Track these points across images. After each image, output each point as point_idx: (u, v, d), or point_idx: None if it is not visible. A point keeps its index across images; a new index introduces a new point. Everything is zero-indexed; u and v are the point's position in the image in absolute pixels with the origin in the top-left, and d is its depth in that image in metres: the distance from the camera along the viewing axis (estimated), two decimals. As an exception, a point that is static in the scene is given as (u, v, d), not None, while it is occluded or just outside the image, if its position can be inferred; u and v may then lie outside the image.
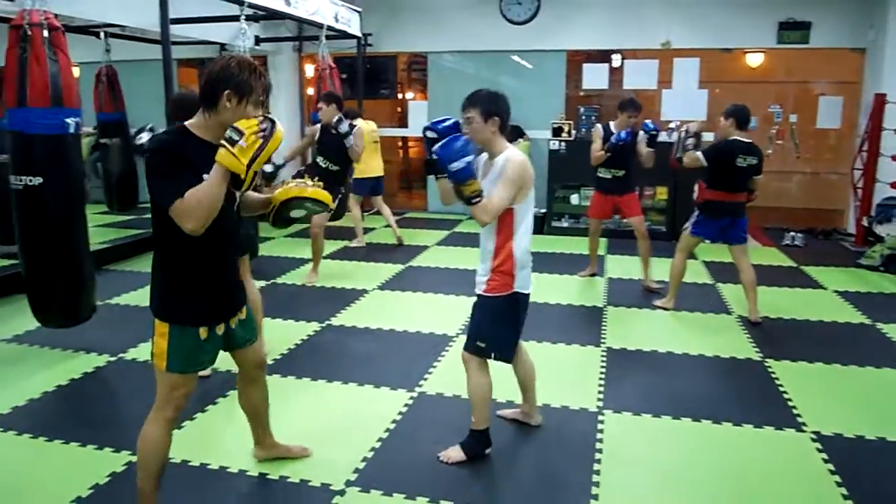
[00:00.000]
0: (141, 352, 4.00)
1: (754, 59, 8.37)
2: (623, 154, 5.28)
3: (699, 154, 4.59)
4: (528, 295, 2.78)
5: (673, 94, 8.05)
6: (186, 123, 2.13)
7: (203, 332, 2.22)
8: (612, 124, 5.35)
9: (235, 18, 5.62)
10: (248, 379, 2.57)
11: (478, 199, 2.53)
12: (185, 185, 1.98)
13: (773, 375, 3.76)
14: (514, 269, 2.69)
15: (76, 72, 8.79)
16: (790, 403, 3.40)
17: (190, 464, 2.75)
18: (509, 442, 3.02)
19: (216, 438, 3.01)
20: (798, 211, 8.55)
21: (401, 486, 2.61)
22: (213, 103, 2.06)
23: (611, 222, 7.61)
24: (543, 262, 6.42)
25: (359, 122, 6.80)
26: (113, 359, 3.91)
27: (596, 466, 2.78)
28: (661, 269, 5.37)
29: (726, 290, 5.44)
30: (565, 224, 7.88)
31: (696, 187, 4.83)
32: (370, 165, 6.95)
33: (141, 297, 5.15)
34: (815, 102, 8.15)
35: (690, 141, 4.74)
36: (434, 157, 2.52)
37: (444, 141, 2.50)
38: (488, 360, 2.77)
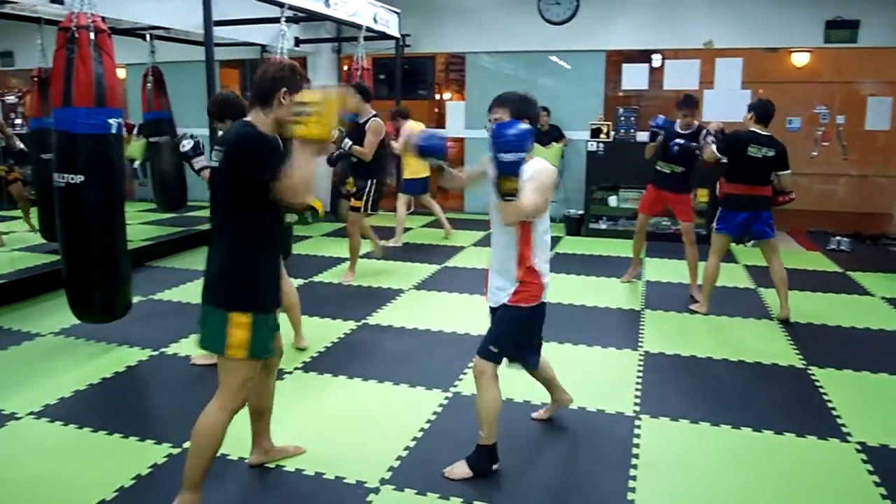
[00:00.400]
0: (182, 347, 4.09)
1: (800, 59, 8.18)
2: (682, 150, 5.10)
3: (713, 148, 4.59)
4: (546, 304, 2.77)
5: (715, 95, 7.90)
6: (247, 120, 2.31)
7: (274, 318, 2.40)
8: (677, 123, 5.16)
9: (276, 20, 5.71)
10: (268, 369, 2.62)
11: (512, 199, 2.40)
12: (283, 163, 2.14)
13: (817, 383, 3.67)
14: (542, 279, 2.67)
15: (122, 73, 9.05)
16: (834, 412, 3.31)
17: (228, 457, 2.79)
18: (545, 445, 3.00)
19: (254, 434, 3.06)
20: (845, 214, 8.32)
21: (435, 486, 2.61)
22: (269, 101, 2.28)
23: (649, 225, 7.53)
24: (580, 265, 6.37)
25: (409, 123, 6.94)
26: (155, 353, 4.00)
27: (632, 472, 2.75)
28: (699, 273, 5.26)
29: (768, 295, 5.32)
30: (603, 226, 7.80)
31: (717, 185, 4.81)
32: (422, 165, 7.03)
33: (182, 293, 5.27)
34: (863, 103, 7.92)
35: (710, 139, 4.68)
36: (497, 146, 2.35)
37: (506, 122, 2.38)
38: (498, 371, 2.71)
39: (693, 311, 4.89)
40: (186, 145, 3.51)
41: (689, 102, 5.16)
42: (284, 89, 2.27)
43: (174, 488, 2.37)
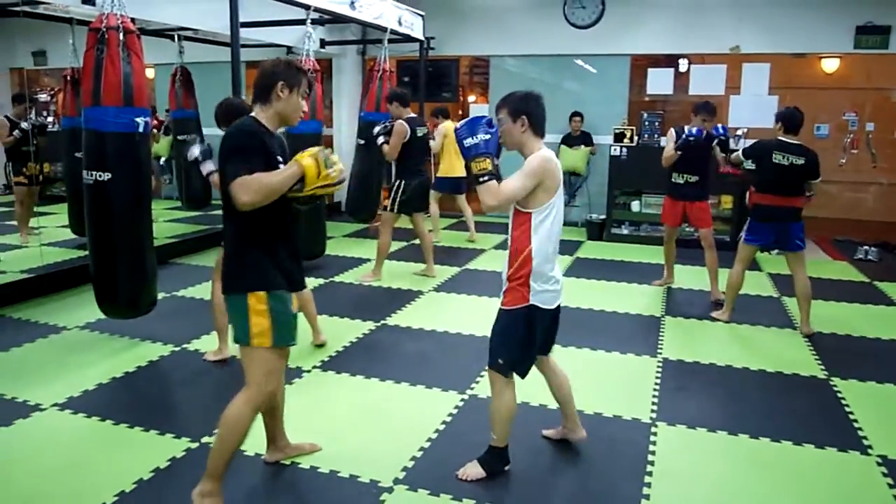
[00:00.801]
0: (203, 343, 4.15)
1: (829, 65, 8.06)
2: (697, 158, 5.17)
3: (739, 152, 4.71)
4: (548, 311, 2.61)
5: (741, 101, 7.81)
6: (253, 115, 2.38)
7: (295, 303, 2.44)
8: (686, 129, 5.18)
9: (302, 22, 5.75)
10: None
11: (486, 179, 2.43)
12: (252, 164, 2.20)
13: (839, 395, 3.61)
14: (530, 280, 2.54)
15: (151, 72, 9.18)
16: (856, 425, 3.26)
17: (245, 453, 2.83)
18: (559, 450, 2.99)
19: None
20: (873, 224, 8.16)
21: (448, 488, 2.62)
22: (268, 96, 2.35)
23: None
24: (601, 270, 6.34)
25: (446, 122, 7.27)
26: (177, 349, 4.06)
27: (647, 479, 2.73)
28: (723, 280, 5.20)
29: (791, 304, 5.23)
30: (625, 231, 7.75)
31: (747, 194, 4.78)
32: (453, 165, 7.24)
33: (205, 290, 5.30)
34: (894, 110, 7.80)
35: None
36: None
37: (466, 120, 2.52)
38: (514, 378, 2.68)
39: (715, 319, 4.84)
40: (194, 152, 3.54)
41: (709, 108, 5.15)
42: (281, 83, 2.32)
43: (192, 482, 2.41)
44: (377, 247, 5.76)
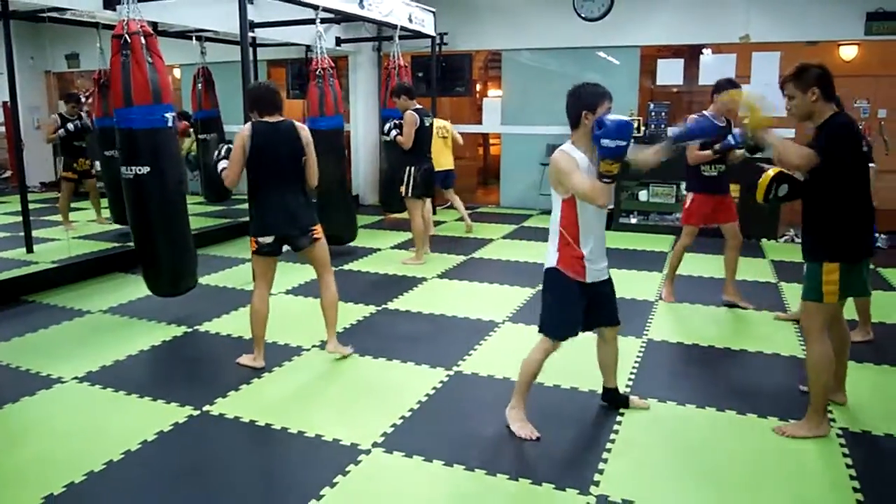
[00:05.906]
0: (215, 325, 4.46)
1: (840, 52, 8.03)
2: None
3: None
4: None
5: (752, 90, 7.82)
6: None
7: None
8: (707, 114, 4.65)
9: (313, 21, 6.01)
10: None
11: (609, 181, 2.79)
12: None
13: (815, 373, 3.72)
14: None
15: (178, 73, 9.54)
16: (824, 400, 3.38)
17: (241, 419, 3.11)
18: (531, 418, 3.16)
19: (266, 400, 3.36)
20: (885, 212, 8.07)
21: (421, 451, 2.85)
22: None
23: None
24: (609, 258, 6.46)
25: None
26: (189, 330, 4.37)
27: (608, 446, 2.91)
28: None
29: (788, 290, 5.34)
30: (634, 220, 7.86)
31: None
32: (438, 160, 7.29)
33: (221, 278, 5.66)
34: (908, 97, 7.73)
35: None
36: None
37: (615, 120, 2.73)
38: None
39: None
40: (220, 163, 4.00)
41: (733, 83, 4.60)
42: None
43: (191, 443, 2.70)
44: (413, 232, 6.08)
